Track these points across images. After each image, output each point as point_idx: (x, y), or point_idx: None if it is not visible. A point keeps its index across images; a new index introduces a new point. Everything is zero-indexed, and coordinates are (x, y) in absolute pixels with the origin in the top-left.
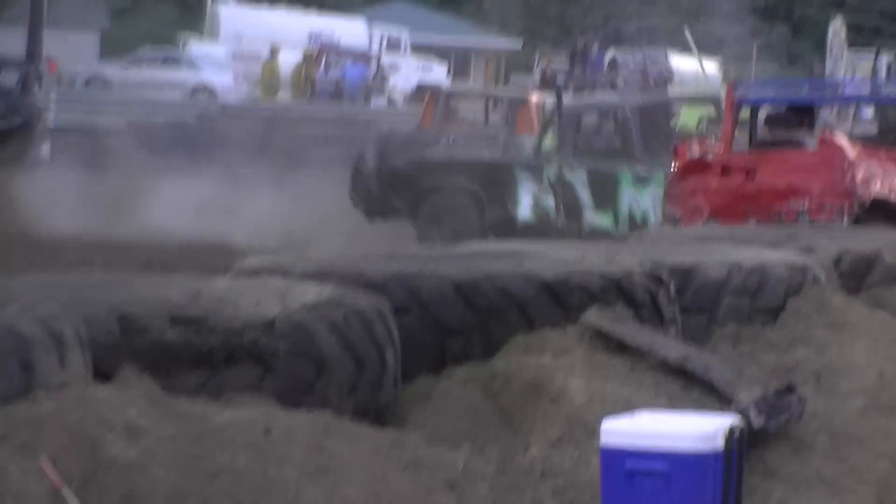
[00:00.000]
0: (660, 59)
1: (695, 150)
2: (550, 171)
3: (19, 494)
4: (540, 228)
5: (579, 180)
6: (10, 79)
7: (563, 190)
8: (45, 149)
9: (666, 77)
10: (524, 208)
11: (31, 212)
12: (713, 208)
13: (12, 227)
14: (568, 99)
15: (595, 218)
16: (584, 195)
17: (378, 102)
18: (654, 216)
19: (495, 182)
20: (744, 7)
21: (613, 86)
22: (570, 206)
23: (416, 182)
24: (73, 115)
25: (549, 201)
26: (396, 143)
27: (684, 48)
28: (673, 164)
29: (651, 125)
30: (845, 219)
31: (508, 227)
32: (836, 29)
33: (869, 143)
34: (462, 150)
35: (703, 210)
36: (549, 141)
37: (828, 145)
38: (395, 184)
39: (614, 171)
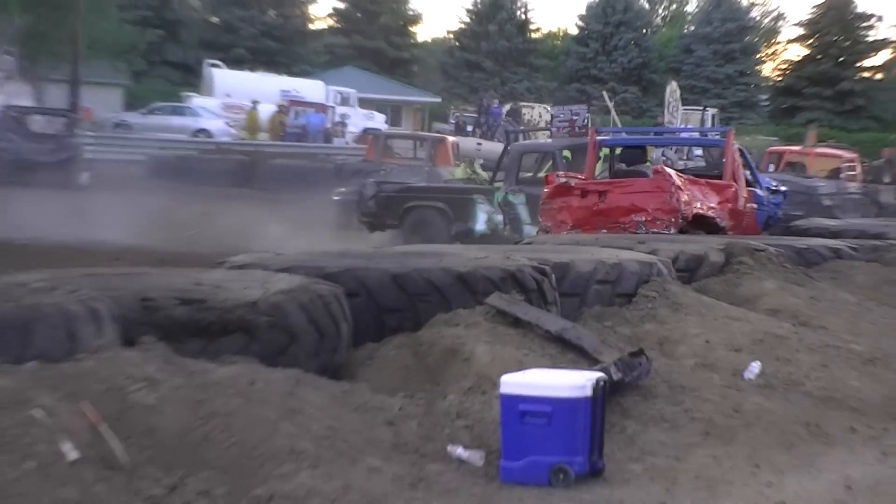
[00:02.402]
0: (582, 113)
1: (561, 178)
2: (498, 196)
3: (70, 429)
4: (491, 238)
5: (519, 203)
6: (58, 124)
7: (507, 209)
8: (84, 177)
9: (586, 125)
10: (481, 223)
11: (73, 224)
12: (575, 221)
13: (58, 235)
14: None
15: (531, 229)
16: (522, 214)
17: (334, 142)
18: None
19: (459, 203)
20: (606, 72)
21: (515, 136)
22: (514, 222)
23: (403, 202)
24: (105, 151)
25: (499, 218)
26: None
27: (556, 102)
28: (544, 189)
29: (576, 161)
30: (672, 229)
31: (468, 237)
32: (672, 90)
33: (698, 174)
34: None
35: (567, 223)
36: (460, 171)
37: (660, 175)
38: (388, 203)
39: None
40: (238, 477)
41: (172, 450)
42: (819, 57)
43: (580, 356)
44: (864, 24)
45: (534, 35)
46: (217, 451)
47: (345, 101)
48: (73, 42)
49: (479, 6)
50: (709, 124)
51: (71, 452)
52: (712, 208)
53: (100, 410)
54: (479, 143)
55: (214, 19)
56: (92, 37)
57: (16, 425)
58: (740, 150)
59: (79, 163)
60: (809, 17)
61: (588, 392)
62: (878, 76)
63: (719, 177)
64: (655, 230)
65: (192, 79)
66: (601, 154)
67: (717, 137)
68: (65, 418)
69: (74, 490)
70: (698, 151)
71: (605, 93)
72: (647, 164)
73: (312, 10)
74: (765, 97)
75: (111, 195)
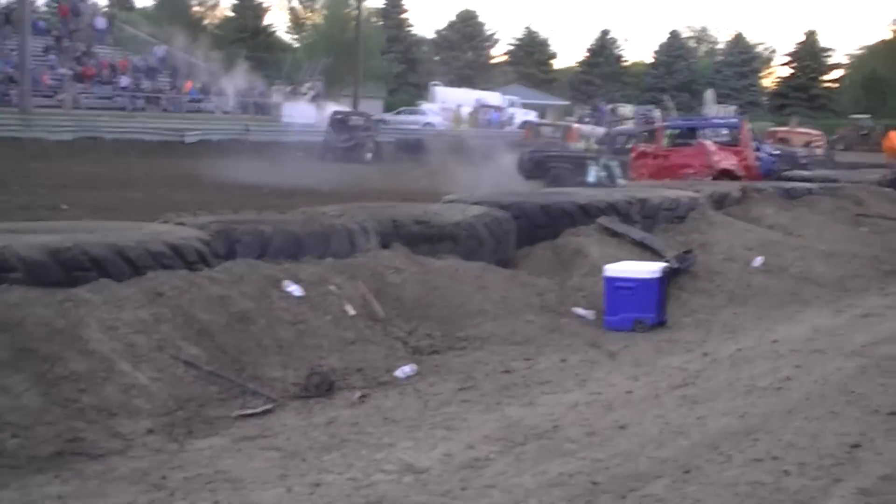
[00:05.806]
0: (651, 112)
1: (641, 147)
2: (602, 160)
3: (351, 297)
4: (599, 185)
5: (615, 164)
6: (362, 121)
7: (608, 169)
8: (368, 156)
9: (653, 119)
10: (592, 177)
11: (362, 178)
12: (649, 174)
13: (347, 186)
14: (601, 129)
15: (621, 181)
16: (617, 171)
17: (506, 129)
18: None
19: (579, 164)
20: (664, 85)
21: (613, 124)
22: (611, 176)
23: (546, 163)
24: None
25: (603, 173)
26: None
27: (638, 104)
28: (631, 154)
29: (650, 139)
30: (710, 178)
31: (584, 185)
32: (709, 95)
33: (725, 144)
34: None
35: (645, 174)
36: (581, 145)
37: (701, 144)
38: (537, 164)
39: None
40: (448, 325)
41: (410, 309)
42: (798, 74)
43: (653, 254)
44: (825, 54)
45: (625, 63)
46: (436, 310)
47: (513, 104)
48: (354, 72)
49: (594, 47)
50: (731, 113)
51: (351, 310)
52: (733, 164)
53: (368, 286)
54: (592, 129)
55: (436, 57)
56: (366, 68)
57: (320, 294)
58: (750, 130)
59: (366, 146)
60: (793, 49)
61: (658, 275)
62: (835, 86)
63: (737, 145)
64: (699, 178)
65: (423, 93)
66: (667, 133)
67: (736, 122)
68: (348, 290)
69: (353, 333)
70: (725, 130)
71: (667, 97)
72: (694, 139)
73: (493, 51)
74: (765, 98)
75: (382, 163)
